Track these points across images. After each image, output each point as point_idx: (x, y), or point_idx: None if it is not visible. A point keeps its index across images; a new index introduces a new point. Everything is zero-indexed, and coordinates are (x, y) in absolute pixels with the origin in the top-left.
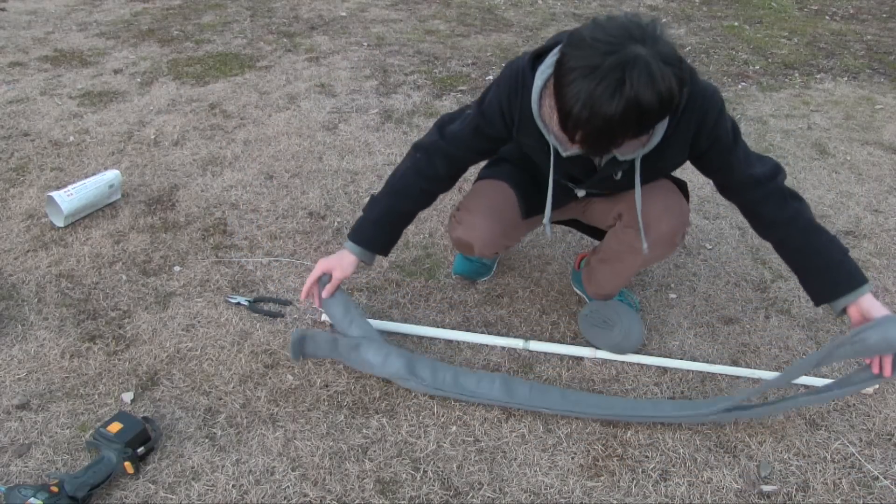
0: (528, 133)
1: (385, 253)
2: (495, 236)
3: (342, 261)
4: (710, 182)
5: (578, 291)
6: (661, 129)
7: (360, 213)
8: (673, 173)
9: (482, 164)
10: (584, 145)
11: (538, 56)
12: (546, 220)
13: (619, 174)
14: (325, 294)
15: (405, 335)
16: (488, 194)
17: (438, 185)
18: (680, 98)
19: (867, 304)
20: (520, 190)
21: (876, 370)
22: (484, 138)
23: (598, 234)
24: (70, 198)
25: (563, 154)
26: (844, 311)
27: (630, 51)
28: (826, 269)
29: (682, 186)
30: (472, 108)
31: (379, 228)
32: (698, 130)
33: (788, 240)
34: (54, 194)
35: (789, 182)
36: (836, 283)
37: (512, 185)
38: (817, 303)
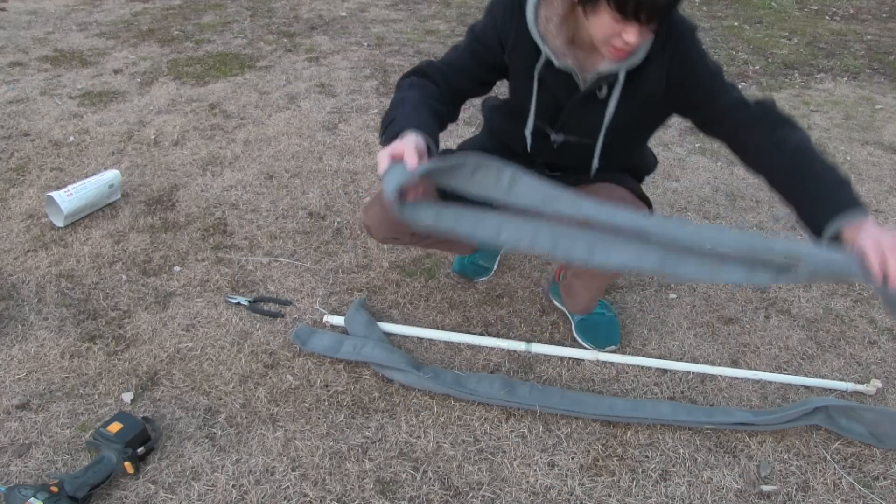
0: (521, 52)
1: (436, 139)
2: (389, 223)
3: (411, 137)
4: (711, 183)
5: (557, 304)
6: (643, 48)
7: (359, 213)
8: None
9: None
10: (651, 19)
11: None
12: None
13: (604, 90)
14: (413, 163)
15: (405, 336)
16: None
17: (443, 105)
18: None
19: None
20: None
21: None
22: (480, 63)
23: None
24: (70, 198)
25: (557, 64)
26: (839, 237)
27: None
28: (820, 195)
29: (647, 202)
30: (465, 38)
31: (421, 113)
32: (673, 55)
33: (778, 167)
34: (54, 194)
35: None
36: (830, 208)
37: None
38: (814, 231)
